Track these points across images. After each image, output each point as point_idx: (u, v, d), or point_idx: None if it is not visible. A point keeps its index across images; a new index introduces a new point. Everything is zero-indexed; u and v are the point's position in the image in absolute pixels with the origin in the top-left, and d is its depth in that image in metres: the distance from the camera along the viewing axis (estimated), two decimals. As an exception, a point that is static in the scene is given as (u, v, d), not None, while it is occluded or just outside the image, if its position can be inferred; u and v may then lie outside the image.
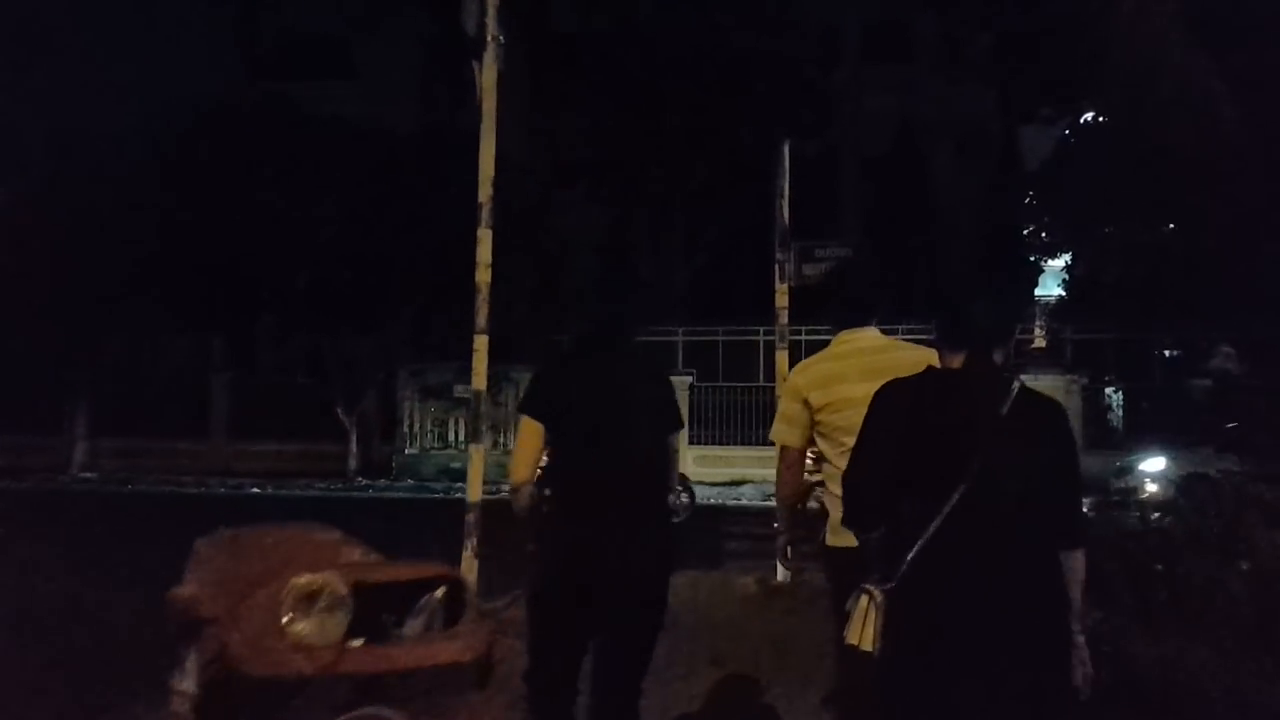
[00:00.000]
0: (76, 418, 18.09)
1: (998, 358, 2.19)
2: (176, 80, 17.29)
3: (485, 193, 4.85)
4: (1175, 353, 17.23)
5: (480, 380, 4.79)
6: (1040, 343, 18.44)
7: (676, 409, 3.02)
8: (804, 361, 3.16)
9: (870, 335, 2.98)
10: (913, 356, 2.67)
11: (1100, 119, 16.02)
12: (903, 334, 16.71)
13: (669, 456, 2.99)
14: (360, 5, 21.19)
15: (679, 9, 21.41)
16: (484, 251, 4.82)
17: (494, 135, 4.89)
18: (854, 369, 2.87)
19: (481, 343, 4.78)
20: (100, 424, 18.22)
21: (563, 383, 2.88)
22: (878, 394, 2.23)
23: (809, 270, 5.69)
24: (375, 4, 20.89)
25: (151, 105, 16.54)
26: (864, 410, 2.27)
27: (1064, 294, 18.57)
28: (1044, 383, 16.12)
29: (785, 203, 5.64)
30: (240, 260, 16.32)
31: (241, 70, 24.40)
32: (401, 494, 15.81)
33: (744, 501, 13.82)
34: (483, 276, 4.82)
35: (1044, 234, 16.82)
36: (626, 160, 21.00)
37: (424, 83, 21.82)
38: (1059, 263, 18.74)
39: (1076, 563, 2.16)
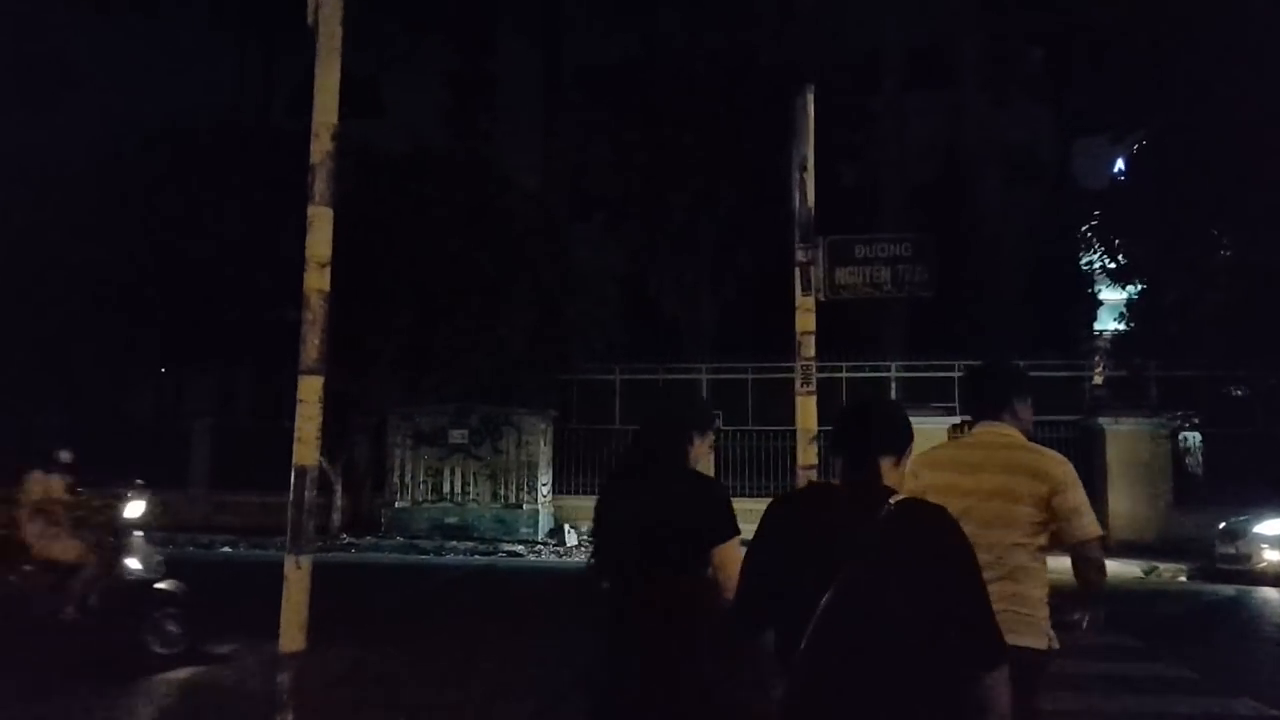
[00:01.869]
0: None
1: (887, 469, 2.05)
2: (184, 115, 16.20)
3: (321, 148, 3.06)
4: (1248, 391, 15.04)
5: (307, 452, 2.93)
6: (1098, 379, 16.53)
7: (718, 521, 2.55)
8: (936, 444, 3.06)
9: (997, 432, 2.84)
10: (1029, 459, 2.78)
11: (1181, 128, 13.92)
12: (960, 369, 14.84)
13: (700, 579, 2.52)
14: (387, 44, 20.69)
15: (704, 32, 20.28)
16: (318, 243, 3.02)
17: (338, 64, 3.12)
18: (968, 459, 2.79)
19: (310, 389, 2.95)
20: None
21: (601, 506, 2.73)
22: (768, 507, 2.18)
23: (844, 279, 3.82)
24: (401, 43, 20.86)
25: (138, 141, 15.46)
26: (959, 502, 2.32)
27: (1124, 327, 16.35)
28: (1126, 427, 14.02)
29: (809, 177, 3.75)
30: (222, 297, 14.91)
31: (257, 107, 23.63)
32: (387, 554, 14.05)
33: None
34: (314, 282, 3.00)
35: (1119, 257, 14.65)
36: (649, 187, 19.55)
37: (443, 117, 21.58)
38: (1116, 294, 16.55)
39: (993, 687, 1.88)
